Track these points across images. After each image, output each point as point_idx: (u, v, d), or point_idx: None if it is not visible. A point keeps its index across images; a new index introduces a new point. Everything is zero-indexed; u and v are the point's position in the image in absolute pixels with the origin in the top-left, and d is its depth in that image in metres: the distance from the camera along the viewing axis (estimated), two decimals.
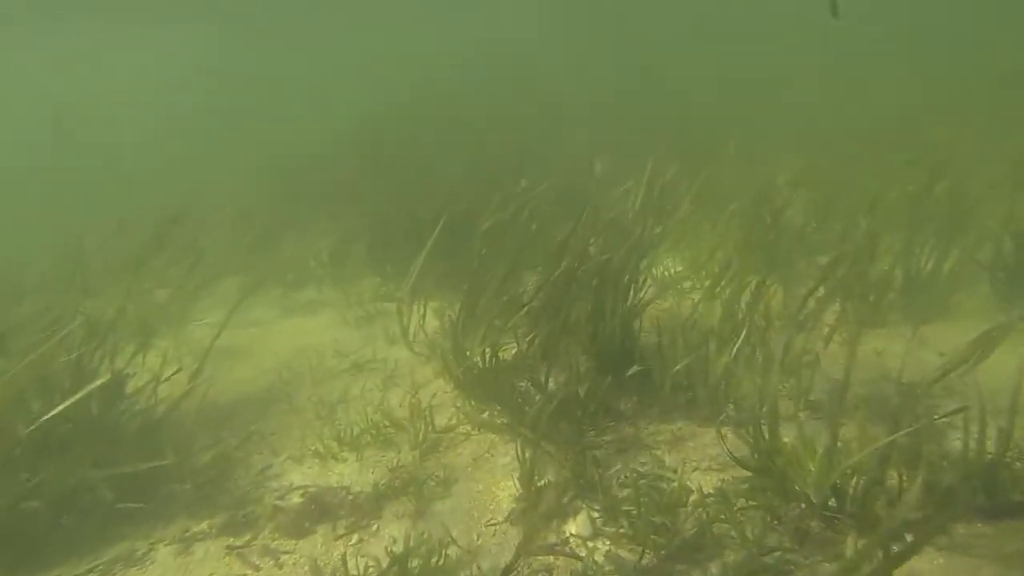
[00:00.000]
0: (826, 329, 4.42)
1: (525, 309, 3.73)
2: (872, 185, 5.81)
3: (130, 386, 3.94)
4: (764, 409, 3.00)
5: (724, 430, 3.44)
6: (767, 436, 2.95)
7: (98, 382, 3.05)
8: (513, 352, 4.61)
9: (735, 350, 3.48)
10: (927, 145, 6.18)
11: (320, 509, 3.59)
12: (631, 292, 3.74)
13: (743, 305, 3.82)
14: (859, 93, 11.49)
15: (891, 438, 2.33)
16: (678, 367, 3.50)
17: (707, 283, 5.33)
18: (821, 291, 4.96)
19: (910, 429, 2.38)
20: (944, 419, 2.68)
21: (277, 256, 7.44)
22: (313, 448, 4.09)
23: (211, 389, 4.98)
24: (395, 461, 3.91)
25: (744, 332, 3.67)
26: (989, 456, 2.59)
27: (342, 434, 4.12)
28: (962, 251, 4.59)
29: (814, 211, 5.57)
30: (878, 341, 4.35)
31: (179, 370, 3.66)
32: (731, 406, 3.65)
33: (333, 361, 5.29)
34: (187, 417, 4.20)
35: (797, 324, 3.00)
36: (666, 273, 5.56)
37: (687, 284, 5.37)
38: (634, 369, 3.66)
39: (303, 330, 5.95)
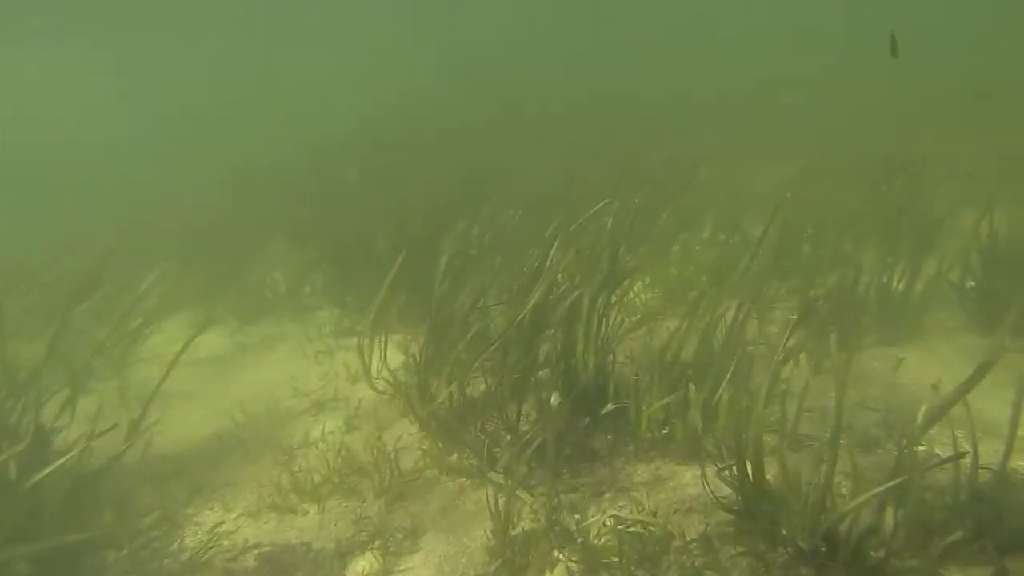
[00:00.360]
0: (803, 355, 4.40)
1: (493, 346, 3.57)
2: (844, 202, 5.87)
3: (59, 441, 3.62)
4: (747, 446, 2.90)
5: (706, 469, 3.32)
6: (751, 475, 2.84)
7: (17, 447, 2.75)
8: (481, 388, 4.45)
9: (721, 386, 3.38)
10: (900, 160, 6.27)
11: (277, 571, 3.34)
12: (603, 327, 3.62)
13: (719, 333, 3.73)
14: (835, 102, 11.76)
15: (888, 485, 2.24)
16: (656, 406, 3.37)
17: (681, 309, 5.28)
18: (794, 316, 4.99)
19: (905, 478, 2.29)
20: (942, 464, 2.59)
21: (232, 286, 7.12)
22: (270, 500, 3.83)
23: (157, 437, 4.67)
24: (359, 511, 3.69)
25: (722, 365, 3.58)
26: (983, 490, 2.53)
27: (302, 483, 3.88)
28: (935, 270, 4.62)
29: (785, 231, 5.57)
30: (854, 365, 4.33)
31: (115, 426, 3.36)
32: (710, 442, 3.54)
33: (292, 401, 5.03)
34: (129, 471, 3.90)
35: (782, 355, 2.91)
36: (638, 299, 5.49)
37: (659, 308, 5.30)
38: (609, 407, 3.53)
39: (260, 367, 5.66)
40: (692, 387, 3.50)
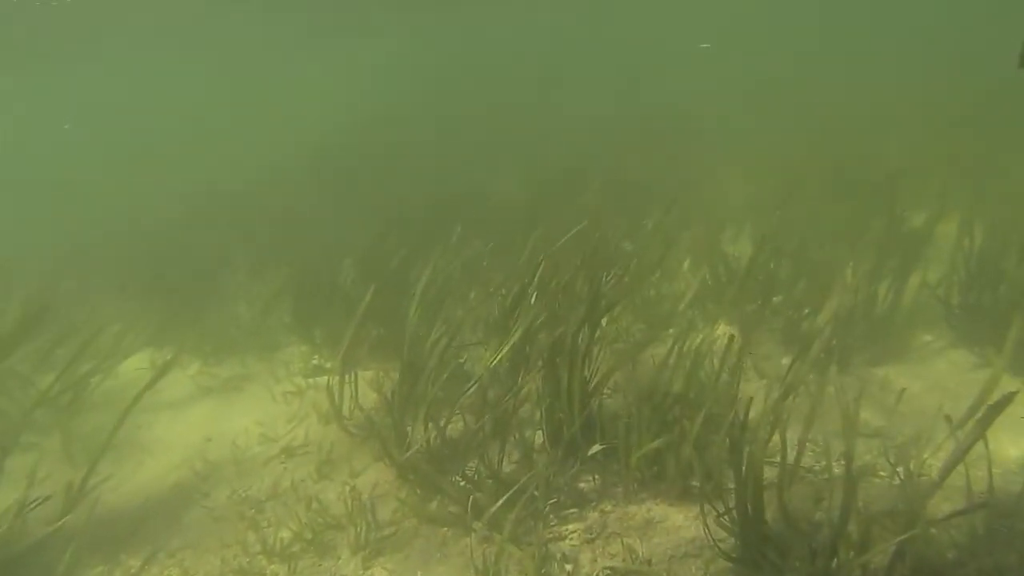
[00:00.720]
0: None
1: (472, 387, 3.39)
2: (826, 216, 5.85)
3: None
4: (746, 486, 2.76)
5: (699, 509, 3.17)
6: (750, 516, 2.70)
7: None
8: (460, 426, 4.26)
9: (714, 421, 3.24)
10: (883, 172, 6.31)
11: None
12: (587, 363, 3.47)
13: (708, 361, 3.61)
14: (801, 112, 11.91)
15: (903, 536, 2.11)
16: (646, 448, 3.22)
17: (665, 333, 5.17)
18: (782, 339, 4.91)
19: (920, 529, 2.17)
20: (962, 514, 2.47)
21: (193, 322, 6.80)
22: (236, 564, 3.57)
23: (108, 494, 4.36)
24: (334, 572, 3.45)
25: (712, 395, 3.46)
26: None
27: (271, 542, 3.62)
28: (919, 283, 4.59)
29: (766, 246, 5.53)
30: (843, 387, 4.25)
31: (48, 498, 3.07)
32: (704, 480, 3.39)
33: (259, 448, 4.75)
34: (73, 538, 3.58)
35: (782, 389, 2.79)
36: (620, 324, 5.36)
37: (643, 334, 5.19)
38: (596, 448, 3.37)
39: (224, 412, 5.36)
40: (684, 423, 3.36)
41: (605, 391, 4.04)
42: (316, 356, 5.83)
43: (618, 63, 21.76)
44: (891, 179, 4.50)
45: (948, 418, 2.35)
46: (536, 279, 3.83)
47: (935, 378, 4.44)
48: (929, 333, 4.82)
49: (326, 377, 5.36)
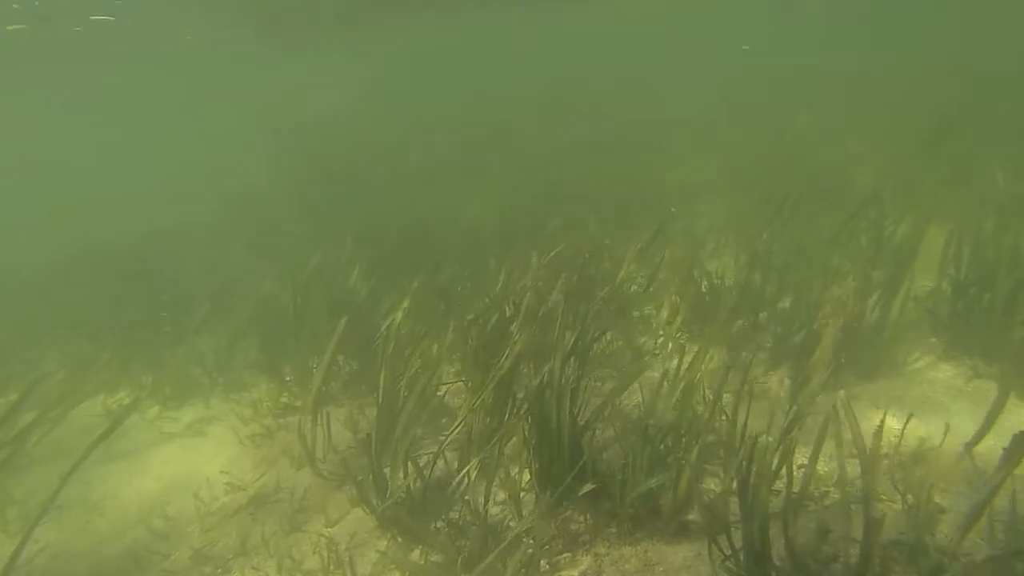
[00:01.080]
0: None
1: (455, 430, 3.20)
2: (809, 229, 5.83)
3: None
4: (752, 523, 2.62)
5: (697, 547, 3.02)
6: (758, 548, 2.55)
7: None
8: (442, 465, 4.05)
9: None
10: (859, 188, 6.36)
11: None
12: (576, 397, 3.31)
13: (701, 389, 3.48)
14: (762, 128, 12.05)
15: None
16: (642, 488, 3.06)
17: (654, 354, 5.05)
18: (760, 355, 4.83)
19: None
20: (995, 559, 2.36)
21: (152, 363, 6.45)
22: None
23: (51, 562, 4.03)
24: None
25: (707, 424, 3.33)
26: None
27: None
28: (909, 300, 4.56)
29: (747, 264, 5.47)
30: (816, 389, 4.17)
31: None
32: (704, 517, 3.25)
33: (226, 498, 4.46)
34: None
35: (790, 417, 2.67)
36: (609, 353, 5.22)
37: (631, 361, 5.06)
38: (588, 487, 3.20)
39: (187, 459, 5.05)
40: (680, 455, 3.21)
41: (596, 424, 3.88)
42: (286, 394, 5.55)
43: (593, 89, 21.96)
44: (876, 192, 4.47)
45: (968, 448, 2.22)
46: (521, 308, 3.67)
47: (927, 392, 4.40)
48: (918, 345, 4.79)
49: (298, 417, 5.11)
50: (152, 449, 5.28)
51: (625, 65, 30.74)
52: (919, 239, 4.38)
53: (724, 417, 3.60)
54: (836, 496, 3.45)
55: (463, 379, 4.72)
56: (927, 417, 4.07)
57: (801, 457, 3.59)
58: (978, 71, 12.83)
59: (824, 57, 20.92)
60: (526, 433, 3.28)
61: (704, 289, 5.16)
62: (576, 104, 17.87)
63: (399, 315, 4.42)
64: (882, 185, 5.40)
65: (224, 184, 15.10)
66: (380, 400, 3.77)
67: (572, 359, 3.29)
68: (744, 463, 2.43)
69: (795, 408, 2.67)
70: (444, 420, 4.77)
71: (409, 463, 3.70)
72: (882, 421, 2.60)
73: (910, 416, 3.35)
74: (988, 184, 6.02)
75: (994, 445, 3.44)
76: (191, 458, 5.04)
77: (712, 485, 3.67)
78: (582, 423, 3.49)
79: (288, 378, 5.68)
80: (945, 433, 3.63)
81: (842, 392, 2.80)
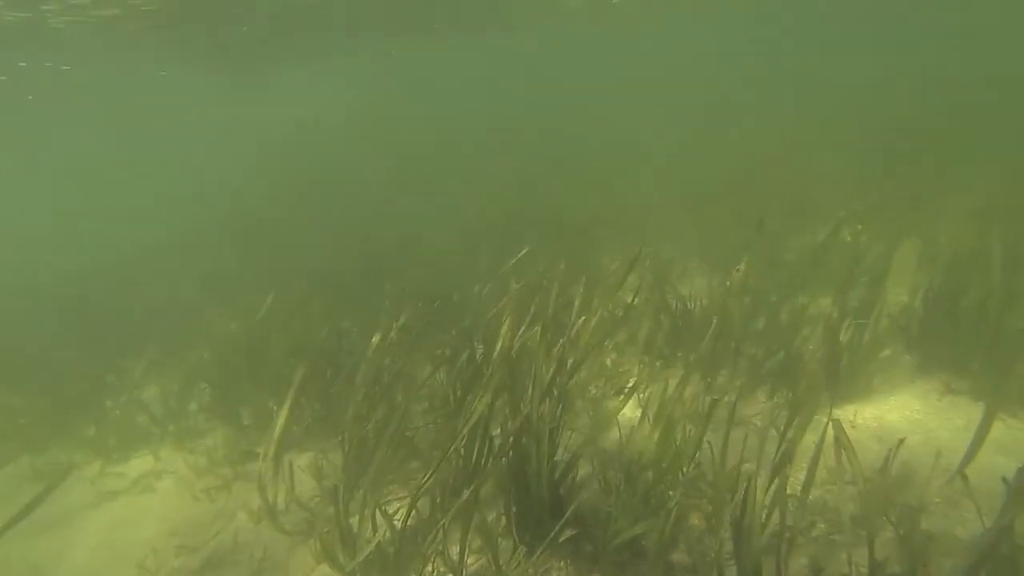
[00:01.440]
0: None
1: (429, 478, 3.02)
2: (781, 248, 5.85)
3: None
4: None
5: None
6: None
7: None
8: (413, 512, 3.84)
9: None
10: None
11: None
12: (554, 437, 3.17)
13: (683, 425, 3.38)
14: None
15: None
16: (626, 535, 2.93)
17: (629, 384, 4.95)
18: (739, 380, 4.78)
19: None
20: None
21: (94, 414, 6.03)
22: None
23: None
24: None
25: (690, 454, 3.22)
26: None
27: None
28: (883, 317, 4.58)
29: (718, 287, 5.46)
30: (816, 430, 4.13)
31: None
32: (685, 551, 3.13)
33: (177, 561, 4.14)
34: None
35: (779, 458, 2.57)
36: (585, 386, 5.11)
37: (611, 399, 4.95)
38: (568, 533, 3.04)
39: (131, 521, 4.69)
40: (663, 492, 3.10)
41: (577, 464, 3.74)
42: (243, 441, 5.25)
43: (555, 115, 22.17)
44: (850, 211, 4.51)
45: (1005, 479, 2.13)
46: (494, 342, 3.53)
47: (903, 410, 4.40)
48: (893, 362, 4.82)
49: (257, 464, 4.83)
50: (91, 512, 4.88)
51: (592, 87, 31.30)
52: (890, 257, 4.41)
53: (707, 447, 3.51)
54: (823, 527, 3.39)
55: (435, 420, 4.54)
56: (905, 436, 4.06)
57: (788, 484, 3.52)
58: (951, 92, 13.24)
59: (787, 83, 21.49)
60: (503, 477, 3.12)
61: (677, 313, 5.12)
62: (539, 128, 18.02)
63: (369, 352, 4.22)
64: (854, 202, 5.48)
65: (176, 216, 14.64)
66: (347, 448, 3.56)
67: (549, 396, 3.16)
68: (738, 506, 2.32)
69: (786, 442, 2.59)
70: (415, 464, 4.56)
71: (379, 513, 3.50)
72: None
73: (901, 441, 3.30)
74: (954, 202, 6.18)
75: (978, 464, 3.44)
76: (137, 519, 4.69)
77: (697, 520, 3.56)
78: (563, 464, 3.35)
79: (246, 422, 5.38)
80: (936, 457, 3.62)
81: (836, 419, 2.74)
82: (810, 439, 3.92)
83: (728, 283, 3.87)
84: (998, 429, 3.98)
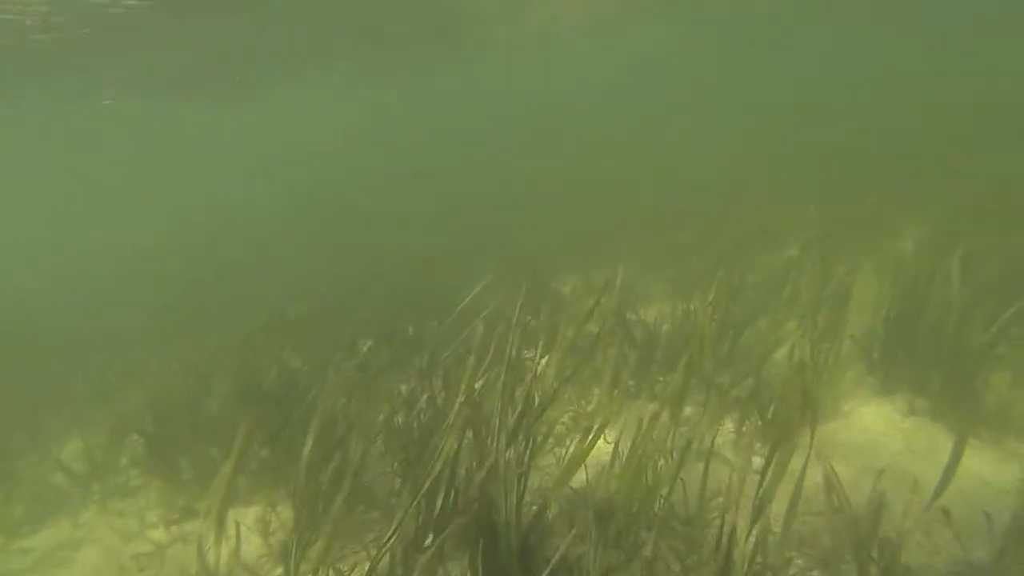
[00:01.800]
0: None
1: (392, 537, 2.80)
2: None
3: None
4: None
5: None
6: None
7: None
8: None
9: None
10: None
11: None
12: (522, 482, 3.00)
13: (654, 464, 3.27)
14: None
15: None
16: None
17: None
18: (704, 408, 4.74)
19: None
20: None
21: None
22: None
23: None
24: None
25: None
26: None
27: None
28: (847, 339, 4.62)
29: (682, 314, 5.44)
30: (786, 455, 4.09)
31: None
32: None
33: None
34: None
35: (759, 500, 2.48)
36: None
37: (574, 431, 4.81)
38: None
39: None
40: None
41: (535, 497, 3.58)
42: (182, 497, 4.84)
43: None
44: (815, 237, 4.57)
45: (946, 513, 2.11)
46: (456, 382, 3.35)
47: (869, 435, 4.42)
48: (857, 384, 4.86)
49: (197, 522, 4.45)
50: None
51: (544, 115, 31.66)
52: (852, 281, 4.48)
53: (680, 483, 3.41)
54: (800, 563, 3.32)
55: (394, 469, 4.30)
56: (871, 461, 4.07)
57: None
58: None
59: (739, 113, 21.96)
60: (469, 529, 2.93)
61: (641, 343, 5.06)
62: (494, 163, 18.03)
63: (320, 394, 3.97)
64: (815, 225, 5.59)
65: (114, 246, 13.90)
66: (298, 503, 3.29)
67: (517, 438, 3.00)
68: (723, 555, 2.21)
69: (766, 484, 2.50)
70: (375, 514, 4.29)
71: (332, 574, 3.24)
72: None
73: (880, 472, 3.27)
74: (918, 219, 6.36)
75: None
76: None
77: (673, 564, 3.44)
78: (533, 510, 3.18)
79: (185, 476, 4.98)
80: (913, 487, 3.61)
81: (826, 462, 2.67)
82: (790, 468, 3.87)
83: (693, 308, 3.83)
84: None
